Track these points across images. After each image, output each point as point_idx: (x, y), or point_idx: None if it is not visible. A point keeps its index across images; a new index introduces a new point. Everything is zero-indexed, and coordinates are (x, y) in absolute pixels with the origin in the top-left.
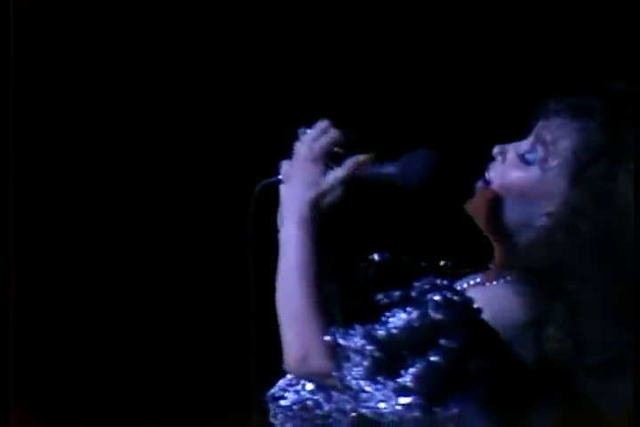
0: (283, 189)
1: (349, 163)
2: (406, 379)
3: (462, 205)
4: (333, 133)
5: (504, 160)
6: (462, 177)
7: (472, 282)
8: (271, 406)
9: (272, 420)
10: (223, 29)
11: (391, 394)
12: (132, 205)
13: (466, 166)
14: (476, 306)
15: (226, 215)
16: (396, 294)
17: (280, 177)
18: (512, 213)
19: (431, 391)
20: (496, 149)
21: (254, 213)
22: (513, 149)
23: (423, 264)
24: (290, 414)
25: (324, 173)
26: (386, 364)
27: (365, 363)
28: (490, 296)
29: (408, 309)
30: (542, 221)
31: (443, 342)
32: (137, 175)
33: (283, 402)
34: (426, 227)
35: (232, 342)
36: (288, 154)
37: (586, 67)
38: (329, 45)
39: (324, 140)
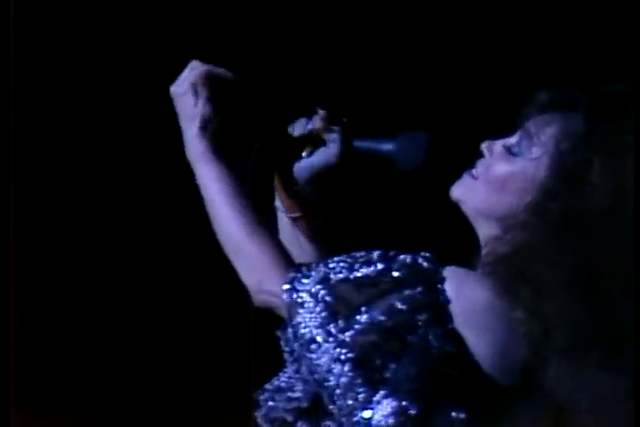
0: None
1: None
2: (346, 334)
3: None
4: (200, 68)
5: (491, 154)
6: (452, 165)
7: None
8: (259, 399)
9: (256, 413)
10: (224, 29)
11: (333, 349)
12: (129, 200)
13: (456, 155)
14: (441, 276)
15: None
16: (377, 252)
17: None
18: (495, 204)
19: (367, 351)
20: (484, 144)
21: (253, 172)
22: (501, 143)
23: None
24: (272, 404)
25: (196, 103)
26: (336, 312)
27: (318, 308)
28: (461, 274)
29: (378, 264)
30: (522, 213)
31: (393, 300)
32: (135, 172)
33: (267, 394)
34: (413, 213)
35: (232, 340)
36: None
37: (580, 66)
38: (332, 40)
39: (191, 75)
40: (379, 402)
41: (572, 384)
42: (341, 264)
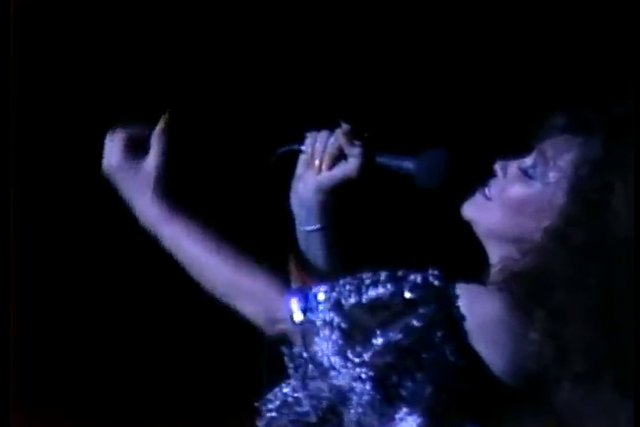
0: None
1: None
2: (365, 357)
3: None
4: (118, 136)
5: (505, 175)
6: (465, 184)
7: None
8: (262, 409)
9: (258, 423)
10: (225, 29)
11: (352, 369)
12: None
13: (470, 174)
14: (453, 292)
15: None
16: (384, 273)
17: (300, 147)
18: (510, 227)
19: (384, 370)
20: (497, 165)
21: (271, 179)
22: (515, 165)
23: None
24: (275, 415)
25: (136, 171)
26: (352, 338)
27: (334, 337)
28: (473, 290)
29: (388, 285)
30: (538, 236)
31: (409, 319)
32: None
33: (270, 405)
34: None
35: (238, 342)
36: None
37: (590, 84)
38: (351, 48)
39: (115, 146)
40: (402, 419)
41: (583, 407)
42: (348, 287)
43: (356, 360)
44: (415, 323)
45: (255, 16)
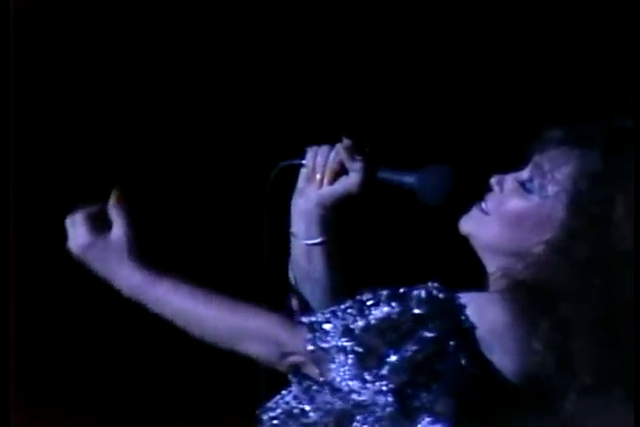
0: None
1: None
2: (383, 371)
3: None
4: (78, 216)
5: (502, 189)
6: (465, 199)
7: None
8: (263, 417)
9: None
10: (225, 30)
11: (373, 385)
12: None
13: (471, 190)
14: (459, 302)
15: (243, 197)
16: (384, 292)
17: (303, 161)
18: (509, 240)
19: (405, 383)
20: (494, 179)
21: (271, 193)
22: (512, 178)
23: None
24: (277, 423)
25: (106, 247)
26: (367, 360)
27: (350, 361)
28: (477, 298)
29: (392, 303)
30: (540, 249)
31: (421, 333)
32: (134, 172)
33: (271, 413)
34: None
35: None
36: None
37: (587, 97)
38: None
39: (79, 227)
40: None
41: (590, 420)
42: (350, 311)
43: (375, 377)
44: (427, 335)
45: (254, 28)
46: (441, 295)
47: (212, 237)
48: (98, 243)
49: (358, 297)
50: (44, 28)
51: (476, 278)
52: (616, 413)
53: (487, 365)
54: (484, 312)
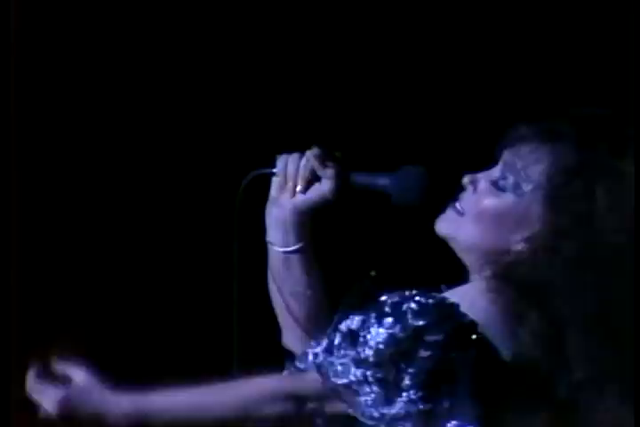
0: None
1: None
2: (406, 382)
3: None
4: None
5: (475, 189)
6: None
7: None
8: None
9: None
10: (225, 31)
11: (400, 398)
12: (127, 201)
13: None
14: (450, 302)
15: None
16: (372, 314)
17: (274, 170)
18: (486, 240)
19: (429, 387)
20: (466, 179)
21: (242, 201)
22: (484, 178)
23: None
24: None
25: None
26: (389, 381)
27: (375, 388)
28: (466, 293)
29: (385, 321)
30: (520, 246)
31: (427, 339)
32: (134, 172)
33: None
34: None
35: (217, 329)
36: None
37: (554, 93)
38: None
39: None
40: None
41: (588, 414)
42: (343, 344)
43: (403, 394)
44: (434, 340)
45: (218, 42)
46: (431, 301)
47: (184, 246)
48: (71, 392)
49: (343, 326)
50: (44, 28)
51: (455, 278)
52: (614, 408)
53: (496, 356)
54: (476, 305)
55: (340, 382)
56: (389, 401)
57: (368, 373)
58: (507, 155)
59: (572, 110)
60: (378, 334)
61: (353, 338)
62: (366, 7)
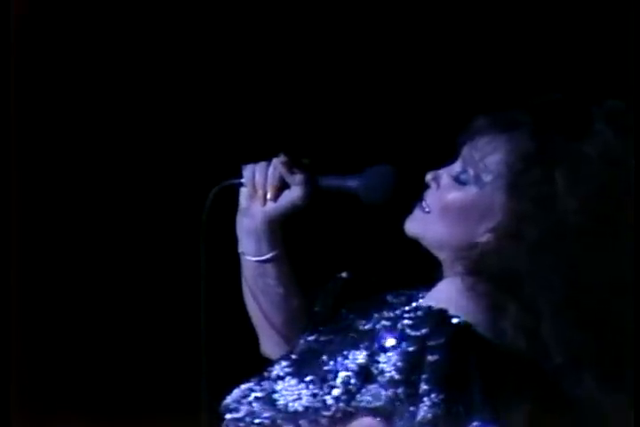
0: None
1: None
2: (424, 387)
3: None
4: None
5: (438, 185)
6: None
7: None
8: (224, 417)
9: (228, 415)
10: (224, 34)
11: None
12: (127, 201)
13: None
14: (438, 308)
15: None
16: (358, 353)
17: (241, 180)
18: (455, 235)
19: (446, 389)
20: (429, 176)
21: (210, 213)
22: (446, 173)
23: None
24: (242, 425)
25: None
26: (411, 390)
27: (407, 405)
28: (442, 295)
29: (389, 345)
30: (487, 237)
31: (430, 343)
32: (134, 172)
33: (235, 414)
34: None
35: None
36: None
37: (513, 83)
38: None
39: None
40: None
41: (574, 393)
42: (353, 377)
43: (425, 400)
44: (437, 343)
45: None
46: (419, 313)
47: (149, 259)
48: None
49: (351, 366)
50: (44, 29)
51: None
52: (594, 391)
53: (494, 352)
54: (458, 305)
55: (378, 403)
56: (414, 410)
57: (400, 390)
58: (465, 148)
59: (528, 99)
60: (390, 358)
61: (368, 374)
62: (332, 11)
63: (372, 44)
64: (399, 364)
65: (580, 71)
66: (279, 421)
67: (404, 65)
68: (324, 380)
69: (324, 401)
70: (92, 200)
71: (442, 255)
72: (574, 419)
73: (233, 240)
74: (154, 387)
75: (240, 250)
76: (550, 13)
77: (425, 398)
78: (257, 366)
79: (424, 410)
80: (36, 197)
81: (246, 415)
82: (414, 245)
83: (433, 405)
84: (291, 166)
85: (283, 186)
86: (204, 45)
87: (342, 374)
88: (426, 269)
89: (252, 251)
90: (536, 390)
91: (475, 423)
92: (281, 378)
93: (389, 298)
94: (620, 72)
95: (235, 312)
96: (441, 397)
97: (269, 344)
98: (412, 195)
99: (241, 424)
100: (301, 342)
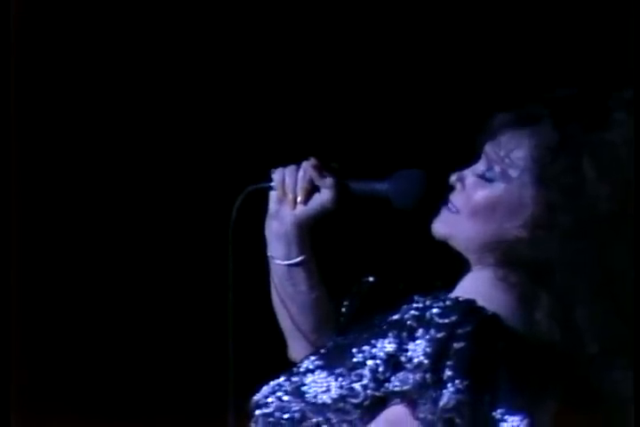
0: None
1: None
2: (448, 373)
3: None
4: None
5: (464, 186)
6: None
7: None
8: (254, 412)
9: (253, 425)
10: (223, 35)
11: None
12: (127, 202)
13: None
14: (465, 298)
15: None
16: (386, 342)
17: (270, 184)
18: (487, 233)
19: (469, 376)
20: (453, 177)
21: (238, 217)
22: (470, 173)
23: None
24: (271, 420)
25: None
26: (437, 377)
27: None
28: (472, 288)
29: (417, 334)
30: (518, 233)
31: (458, 331)
32: (134, 172)
33: (265, 410)
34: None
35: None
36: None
37: (530, 80)
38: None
39: None
40: (503, 420)
41: (602, 386)
42: (382, 369)
43: (449, 386)
44: (464, 331)
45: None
46: (448, 303)
47: (178, 265)
48: None
49: (379, 354)
50: (44, 29)
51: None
52: (617, 380)
53: (523, 344)
54: (489, 297)
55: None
56: (438, 395)
57: (427, 375)
58: (487, 147)
59: (543, 94)
60: (418, 345)
61: (396, 362)
62: (353, 21)
63: (382, 50)
64: (428, 350)
65: (587, 64)
66: (308, 413)
67: (411, 67)
68: (352, 370)
69: (352, 389)
70: (121, 207)
71: (471, 255)
72: (600, 412)
73: (260, 244)
74: (157, 389)
75: (269, 254)
76: (552, 7)
77: (449, 385)
78: (284, 370)
79: (447, 396)
80: (63, 209)
81: (275, 411)
82: (440, 249)
83: (457, 391)
84: (321, 170)
85: (313, 189)
86: (219, 48)
87: (370, 363)
88: (451, 274)
89: (281, 255)
90: (565, 382)
91: (499, 411)
92: (311, 371)
93: (416, 297)
94: (627, 64)
95: (262, 317)
96: (465, 383)
97: (297, 348)
98: (436, 198)
99: (271, 419)
100: (330, 342)
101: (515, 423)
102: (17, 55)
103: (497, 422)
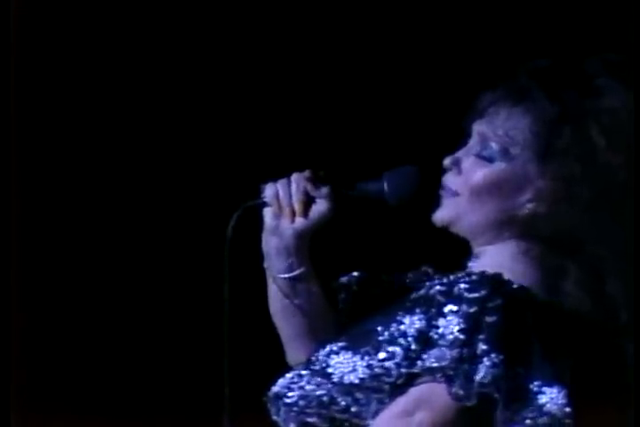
0: None
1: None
2: (482, 347)
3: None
4: None
5: (460, 169)
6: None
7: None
8: (274, 404)
9: (275, 417)
10: (222, 36)
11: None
12: (127, 202)
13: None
14: (492, 273)
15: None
16: (415, 318)
17: (263, 200)
18: (492, 212)
19: (503, 349)
20: (447, 161)
21: (234, 234)
22: (464, 155)
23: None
24: (295, 409)
25: None
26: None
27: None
28: (495, 263)
29: (448, 309)
30: (528, 209)
31: (489, 304)
32: (134, 172)
33: (287, 400)
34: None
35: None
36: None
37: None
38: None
39: None
40: (541, 392)
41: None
42: (415, 342)
43: (484, 359)
44: (495, 304)
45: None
46: (474, 277)
47: (178, 267)
48: None
49: (410, 331)
50: (44, 28)
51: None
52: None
53: (551, 316)
54: (514, 271)
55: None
56: (472, 370)
57: (463, 351)
58: (479, 126)
59: (522, 67)
60: (450, 321)
61: (427, 339)
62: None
63: (373, 46)
64: (462, 325)
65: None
66: (336, 395)
67: (398, 64)
68: (379, 349)
69: (385, 367)
70: (117, 220)
71: (478, 237)
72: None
73: (255, 261)
74: (156, 389)
75: (268, 269)
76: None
77: (484, 359)
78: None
79: (484, 371)
80: (55, 216)
81: (299, 399)
82: (429, 242)
83: (493, 365)
84: (314, 180)
85: (309, 200)
86: (212, 55)
87: (401, 341)
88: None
89: (282, 268)
90: (597, 351)
91: (536, 383)
92: (335, 353)
93: (429, 270)
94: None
95: (257, 321)
96: (501, 357)
97: (295, 355)
98: (430, 194)
99: (295, 409)
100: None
101: (553, 395)
102: (17, 55)
103: (534, 394)
